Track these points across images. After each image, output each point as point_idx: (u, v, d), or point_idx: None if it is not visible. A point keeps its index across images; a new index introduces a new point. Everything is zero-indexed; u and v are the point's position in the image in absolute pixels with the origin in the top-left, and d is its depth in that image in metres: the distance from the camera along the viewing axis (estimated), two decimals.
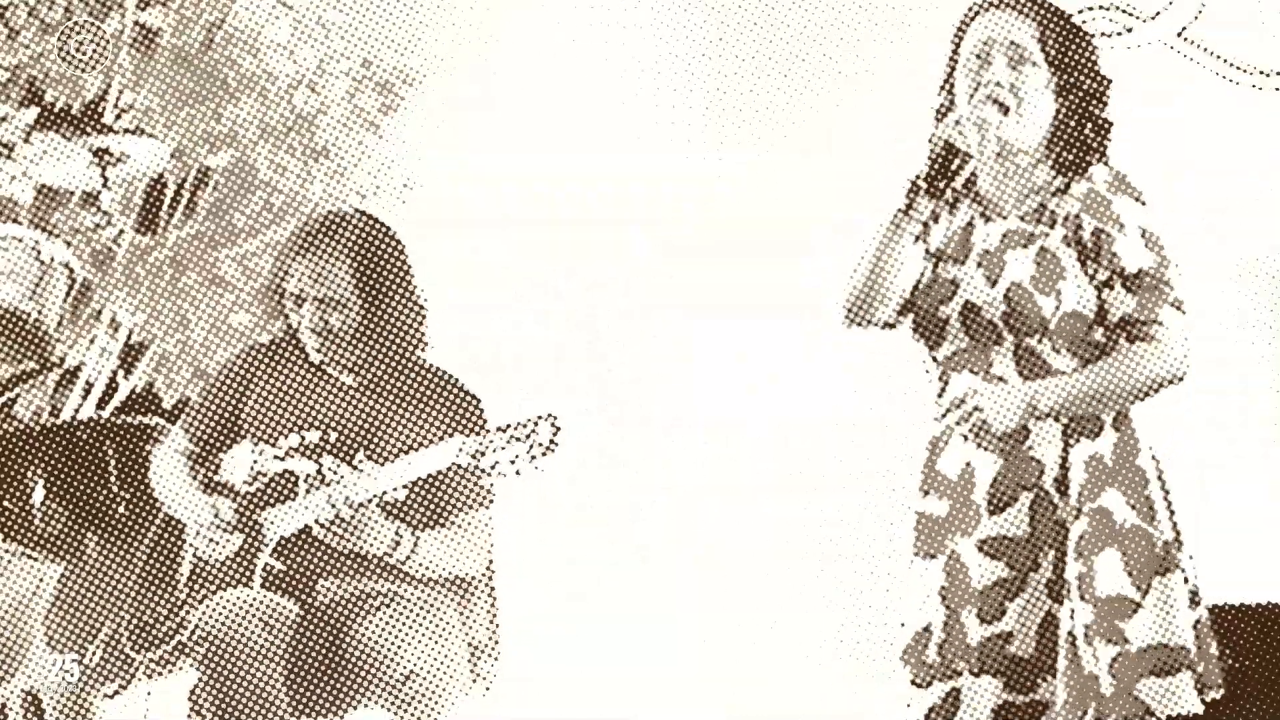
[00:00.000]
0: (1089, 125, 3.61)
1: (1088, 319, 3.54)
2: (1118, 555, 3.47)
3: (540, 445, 4.26)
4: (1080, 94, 3.61)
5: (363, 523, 4.36)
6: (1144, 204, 3.57)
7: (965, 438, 3.54)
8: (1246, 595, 5.30)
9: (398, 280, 4.52)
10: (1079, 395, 3.51)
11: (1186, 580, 3.52)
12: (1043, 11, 3.61)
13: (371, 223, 4.55)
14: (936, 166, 3.50)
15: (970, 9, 3.66)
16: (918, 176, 3.52)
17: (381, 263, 4.51)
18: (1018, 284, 3.54)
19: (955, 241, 3.62)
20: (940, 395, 3.64)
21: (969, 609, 3.51)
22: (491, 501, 4.52)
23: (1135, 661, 3.44)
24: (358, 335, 4.50)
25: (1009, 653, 3.49)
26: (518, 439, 4.27)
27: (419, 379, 4.53)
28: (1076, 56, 3.60)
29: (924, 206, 3.53)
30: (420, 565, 4.42)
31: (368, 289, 4.49)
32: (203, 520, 4.47)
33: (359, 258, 4.49)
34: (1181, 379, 3.53)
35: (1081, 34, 3.63)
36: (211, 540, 4.48)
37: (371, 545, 4.37)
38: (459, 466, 4.32)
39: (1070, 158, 3.60)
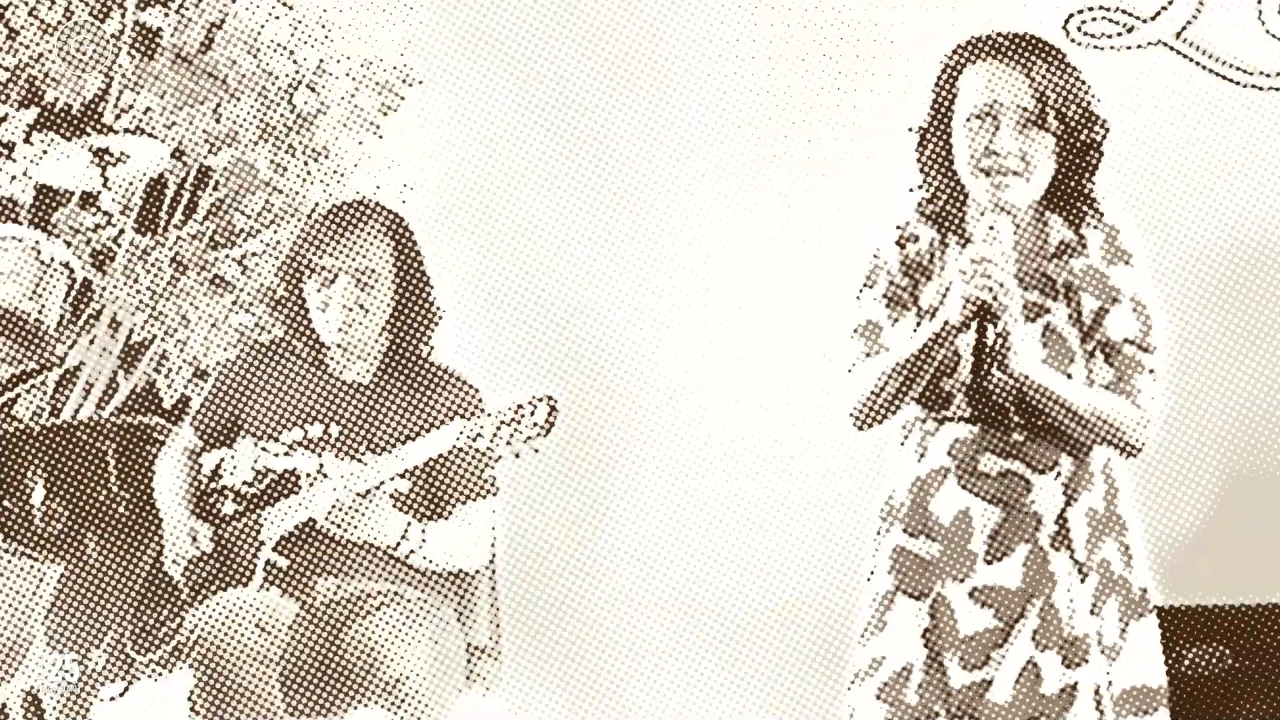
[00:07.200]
0: (1087, 178, 3.54)
1: None
2: (1115, 604, 3.51)
3: (536, 426, 4.27)
4: (1079, 149, 3.53)
5: (372, 514, 4.37)
6: (1134, 267, 3.52)
7: (964, 300, 3.38)
8: (1246, 595, 5.31)
9: (423, 272, 4.55)
10: (1058, 393, 3.45)
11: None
12: (1042, 65, 3.49)
13: (397, 212, 4.59)
14: (977, 336, 3.39)
15: (960, 54, 3.54)
16: (948, 324, 3.40)
17: (413, 248, 4.55)
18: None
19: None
20: (934, 434, 3.57)
21: (952, 654, 3.49)
22: (495, 493, 4.52)
23: (1119, 703, 3.49)
24: (386, 317, 4.51)
25: (987, 699, 3.46)
26: (514, 420, 4.28)
27: (422, 374, 4.54)
28: (1077, 111, 3.50)
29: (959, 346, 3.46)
30: (428, 558, 4.43)
31: (402, 269, 4.52)
32: (179, 546, 4.48)
33: (396, 237, 4.53)
34: (1137, 449, 3.50)
35: (1078, 79, 3.52)
36: (175, 563, 4.48)
37: (381, 536, 4.39)
38: (458, 450, 4.33)
39: (1068, 212, 3.55)
